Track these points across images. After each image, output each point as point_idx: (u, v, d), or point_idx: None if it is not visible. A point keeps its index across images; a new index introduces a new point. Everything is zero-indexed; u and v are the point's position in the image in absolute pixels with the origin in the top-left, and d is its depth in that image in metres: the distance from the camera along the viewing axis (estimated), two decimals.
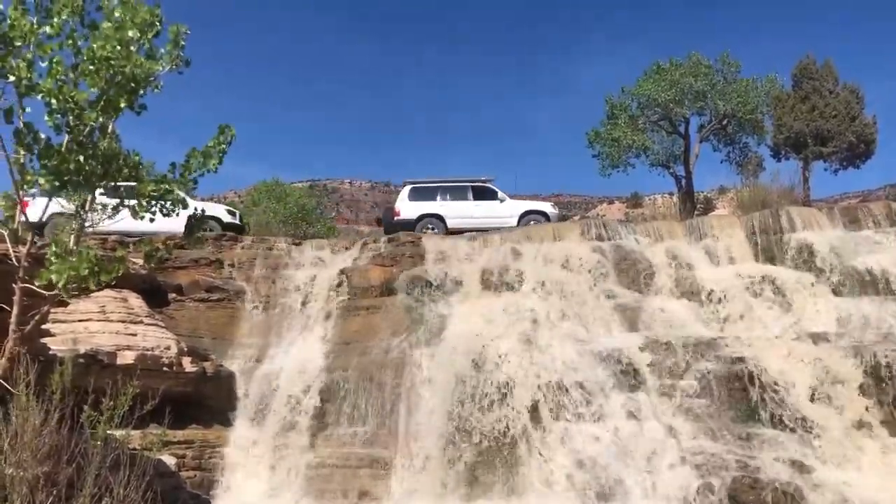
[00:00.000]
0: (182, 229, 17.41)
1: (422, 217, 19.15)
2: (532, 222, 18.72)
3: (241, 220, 19.51)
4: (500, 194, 19.80)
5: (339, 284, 13.98)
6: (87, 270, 4.97)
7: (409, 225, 18.67)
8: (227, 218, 18.43)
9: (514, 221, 18.99)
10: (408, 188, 19.89)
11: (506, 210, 19.34)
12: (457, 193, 19.73)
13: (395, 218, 19.36)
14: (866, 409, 9.95)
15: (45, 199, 5.75)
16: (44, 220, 15.46)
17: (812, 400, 10.14)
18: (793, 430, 9.85)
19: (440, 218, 19.13)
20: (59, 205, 5.84)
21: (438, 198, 19.59)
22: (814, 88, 23.63)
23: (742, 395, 10.31)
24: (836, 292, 12.97)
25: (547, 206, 20.53)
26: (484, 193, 19.78)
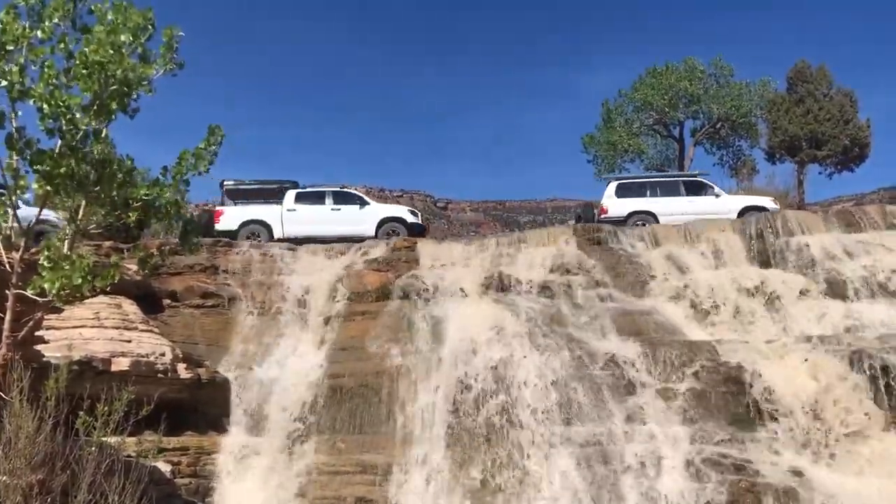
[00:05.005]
0: (370, 233, 17.54)
1: (632, 214, 18.24)
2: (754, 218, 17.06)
3: (422, 220, 19.40)
4: (715, 189, 18.89)
5: (335, 290, 13.92)
6: (80, 279, 4.94)
7: (619, 222, 17.73)
8: (410, 218, 18.41)
9: (734, 216, 17.56)
10: (614, 185, 18.97)
11: (723, 205, 18.23)
12: (668, 189, 18.83)
13: (603, 216, 18.44)
14: (865, 413, 9.93)
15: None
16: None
17: (809, 404, 10.13)
18: (790, 434, 9.85)
19: (652, 214, 18.08)
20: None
21: (648, 194, 18.73)
22: (808, 92, 23.76)
23: (738, 399, 10.31)
24: (832, 295, 12.97)
25: (768, 202, 19.05)
26: (697, 188, 18.86)
